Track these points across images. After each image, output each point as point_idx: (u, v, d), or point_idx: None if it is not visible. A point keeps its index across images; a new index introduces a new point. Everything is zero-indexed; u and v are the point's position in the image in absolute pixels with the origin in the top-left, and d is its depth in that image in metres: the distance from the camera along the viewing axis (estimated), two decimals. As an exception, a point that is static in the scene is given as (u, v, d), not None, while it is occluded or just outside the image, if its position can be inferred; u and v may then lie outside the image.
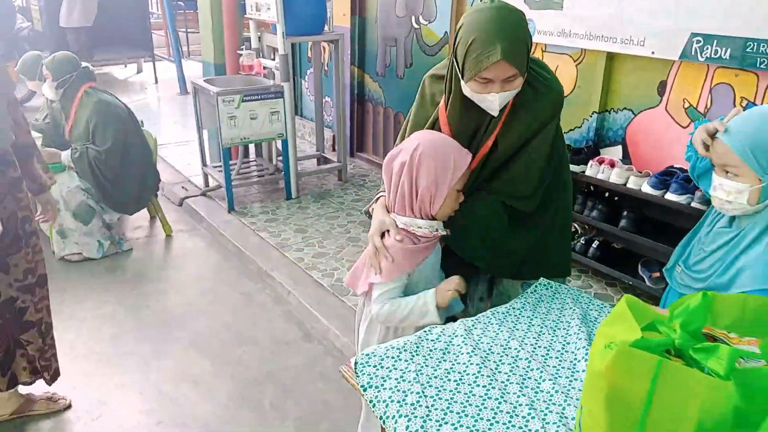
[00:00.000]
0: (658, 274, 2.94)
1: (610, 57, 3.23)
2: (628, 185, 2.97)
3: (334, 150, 5.34)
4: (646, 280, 2.99)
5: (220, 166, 4.32)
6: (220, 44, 4.68)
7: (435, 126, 1.78)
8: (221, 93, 4.02)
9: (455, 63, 1.63)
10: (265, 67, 4.49)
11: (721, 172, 1.41)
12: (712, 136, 1.42)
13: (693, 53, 2.77)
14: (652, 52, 2.95)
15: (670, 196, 2.80)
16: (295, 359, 2.86)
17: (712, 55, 2.71)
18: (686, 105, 2.97)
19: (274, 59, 4.44)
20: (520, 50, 1.54)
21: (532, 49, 3.44)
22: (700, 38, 2.73)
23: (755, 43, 2.54)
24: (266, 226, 4.08)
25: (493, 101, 1.60)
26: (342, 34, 4.66)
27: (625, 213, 3.06)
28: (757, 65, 2.56)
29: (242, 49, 4.57)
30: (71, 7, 7.65)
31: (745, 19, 2.56)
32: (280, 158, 4.71)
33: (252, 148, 5.07)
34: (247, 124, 4.18)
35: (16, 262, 2.17)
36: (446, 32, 4.27)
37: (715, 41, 2.68)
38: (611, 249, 3.27)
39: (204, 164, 4.67)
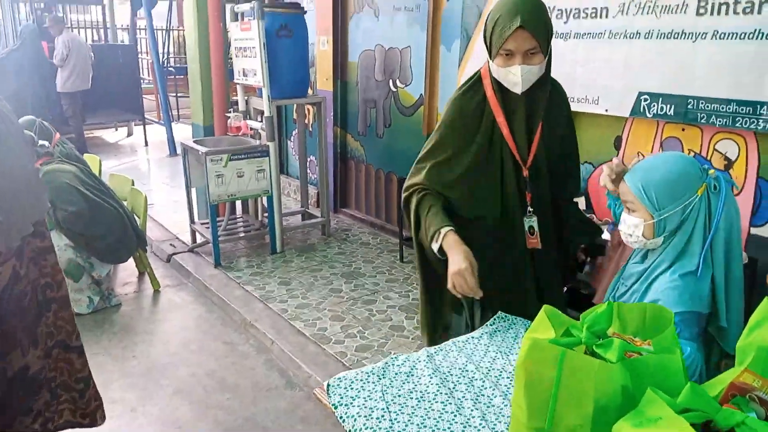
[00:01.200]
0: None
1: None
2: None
3: (318, 206, 5.55)
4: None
5: (208, 223, 4.50)
6: (209, 107, 4.94)
7: (489, 131, 1.88)
8: (209, 152, 4.24)
9: (485, 46, 1.82)
10: (251, 128, 4.74)
11: (625, 209, 1.59)
12: (619, 175, 1.63)
13: (642, 110, 3.04)
14: (606, 110, 3.22)
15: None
16: (277, 404, 2.97)
17: (659, 112, 2.97)
18: (640, 157, 3.21)
19: (260, 121, 4.70)
20: (540, 23, 1.73)
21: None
22: (647, 96, 3.01)
23: (695, 101, 2.81)
24: (251, 280, 4.23)
25: (515, 74, 1.75)
26: (324, 97, 4.95)
27: (588, 260, 3.25)
28: (698, 120, 2.82)
29: (230, 112, 4.83)
30: (69, 72, 7.93)
31: (685, 78, 2.83)
32: (266, 214, 4.90)
33: (239, 205, 5.27)
34: (234, 182, 4.38)
35: (42, 330, 2.03)
36: (421, 94, 4.56)
37: (660, 99, 2.95)
38: (579, 294, 3.45)
39: (192, 221, 4.85)
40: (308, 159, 5.65)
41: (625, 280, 1.69)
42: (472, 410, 1.41)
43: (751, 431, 0.75)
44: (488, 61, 1.85)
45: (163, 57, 10.51)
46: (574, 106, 3.36)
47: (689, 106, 2.84)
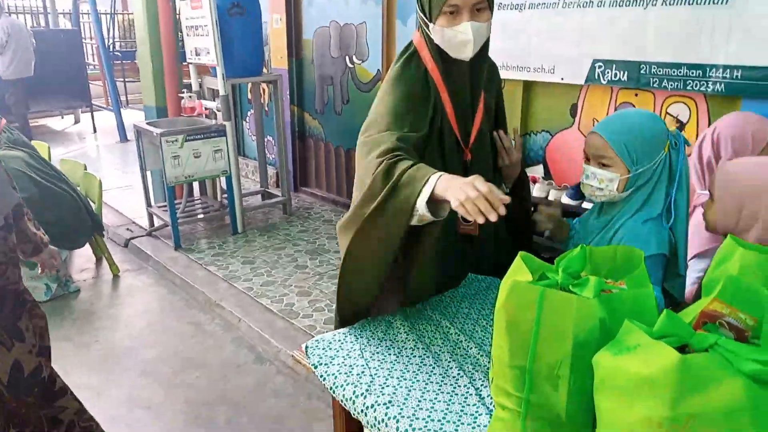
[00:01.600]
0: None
1: (527, 85, 3.55)
2: (549, 198, 3.25)
3: (277, 186, 5.51)
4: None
5: (165, 206, 4.41)
6: (161, 88, 4.83)
7: (438, 104, 1.68)
8: (165, 134, 4.15)
9: (421, 13, 1.62)
10: (206, 108, 4.65)
11: (595, 163, 1.64)
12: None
13: (596, 77, 3.11)
14: (562, 78, 3.28)
15: (586, 205, 3.08)
16: (247, 380, 2.96)
17: (613, 78, 3.04)
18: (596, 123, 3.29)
19: (215, 100, 4.61)
20: None
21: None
22: (601, 63, 3.08)
23: (647, 66, 2.89)
24: (214, 260, 4.18)
25: (465, 32, 1.56)
26: (280, 74, 4.89)
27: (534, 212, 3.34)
28: (651, 85, 2.90)
29: (183, 92, 4.72)
30: (10, 58, 7.61)
31: (637, 44, 2.91)
32: (225, 195, 4.84)
33: (196, 186, 5.18)
34: (191, 163, 4.30)
35: (26, 325, 1.93)
36: (379, 70, 4.55)
37: (614, 65, 3.02)
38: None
39: (149, 205, 4.74)
40: (266, 139, 5.58)
41: (587, 235, 1.75)
42: (449, 362, 1.44)
43: (724, 350, 0.79)
44: (424, 30, 1.66)
45: (108, 41, 10.15)
46: (531, 76, 3.43)
47: (642, 72, 2.92)
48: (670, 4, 2.77)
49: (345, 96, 4.97)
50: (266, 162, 5.41)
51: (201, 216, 4.84)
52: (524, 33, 3.38)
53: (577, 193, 3.13)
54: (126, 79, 10.00)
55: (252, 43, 4.51)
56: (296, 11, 5.25)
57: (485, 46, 1.68)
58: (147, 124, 4.48)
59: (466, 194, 1.29)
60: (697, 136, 2.89)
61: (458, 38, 1.59)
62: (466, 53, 1.62)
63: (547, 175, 3.56)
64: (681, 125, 2.95)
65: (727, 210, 1.50)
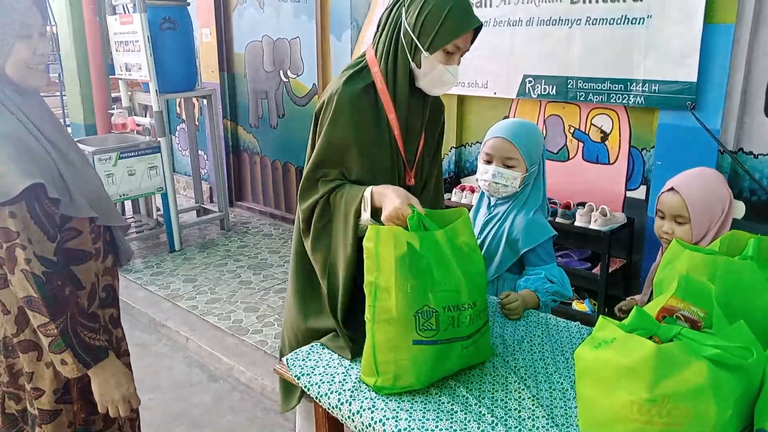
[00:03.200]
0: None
1: (461, 99, 3.73)
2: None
3: (212, 201, 5.46)
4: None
5: (99, 225, 4.29)
6: (89, 104, 4.70)
7: (384, 129, 1.70)
8: (97, 151, 4.06)
9: (415, 39, 1.62)
10: (138, 125, 4.57)
11: (500, 163, 1.88)
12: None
13: (527, 91, 3.31)
14: (495, 93, 3.47)
15: (523, 212, 3.28)
16: (202, 398, 2.95)
17: (543, 92, 3.26)
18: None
19: (146, 116, 4.54)
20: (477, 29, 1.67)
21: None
22: (531, 79, 3.28)
23: (574, 80, 3.11)
24: (153, 280, 4.11)
25: (453, 75, 1.64)
26: (214, 89, 4.87)
27: (488, 231, 3.52)
28: (577, 98, 3.13)
29: (113, 109, 4.62)
30: None
31: (564, 60, 3.13)
32: (160, 213, 4.76)
33: (128, 205, 5.06)
34: (126, 181, 4.22)
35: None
36: (314, 84, 4.62)
37: (543, 80, 3.23)
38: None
39: (79, 225, 4.59)
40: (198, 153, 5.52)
41: (481, 230, 2.00)
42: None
43: (686, 339, 0.93)
44: (400, 52, 1.65)
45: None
46: (466, 90, 3.60)
47: (569, 86, 3.14)
48: (593, 24, 3.00)
49: (280, 110, 5.01)
50: (200, 177, 5.36)
51: (135, 235, 4.73)
52: (458, 49, 3.55)
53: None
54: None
55: (185, 57, 4.48)
56: (226, 25, 5.25)
57: None
58: (77, 141, 4.35)
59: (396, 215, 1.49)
60: (620, 145, 3.14)
61: (445, 77, 1.65)
62: (440, 92, 1.71)
63: (483, 184, 3.74)
64: (605, 135, 3.19)
65: (702, 224, 1.67)
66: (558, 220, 3.12)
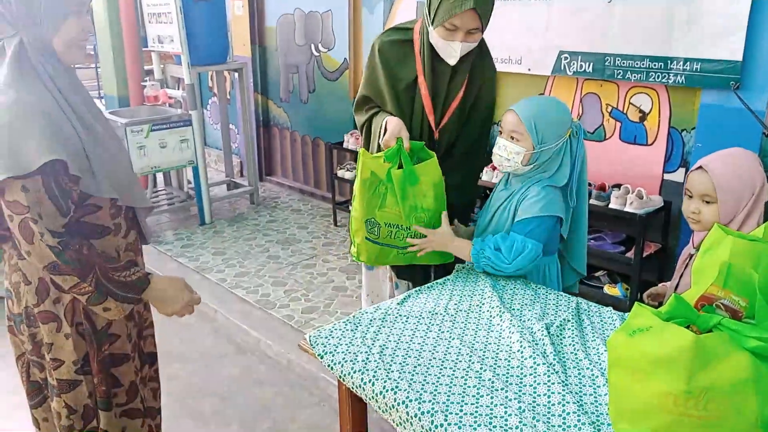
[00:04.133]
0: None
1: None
2: (520, 186, 3.36)
3: (242, 175, 5.48)
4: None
5: (131, 197, 4.34)
6: (122, 77, 4.73)
7: (414, 86, 2.05)
8: (129, 123, 4.08)
9: (426, 12, 1.93)
10: (170, 97, 4.58)
11: (507, 136, 1.85)
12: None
13: (563, 68, 3.22)
14: (529, 69, 3.38)
15: (555, 193, 3.20)
16: (229, 370, 2.98)
17: (579, 69, 3.16)
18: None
19: (179, 89, 4.55)
20: (489, 5, 1.88)
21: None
22: (567, 55, 3.18)
23: (611, 58, 3.01)
24: (183, 252, 4.15)
25: (455, 49, 1.88)
26: (245, 62, 4.85)
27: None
28: (615, 76, 3.02)
29: (146, 81, 4.64)
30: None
31: (602, 37, 3.02)
32: (190, 186, 4.79)
33: (160, 177, 5.11)
34: (157, 153, 4.25)
35: None
36: (345, 58, 4.57)
37: (579, 57, 3.13)
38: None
39: (112, 196, 4.65)
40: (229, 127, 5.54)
41: (491, 206, 1.98)
42: (448, 343, 1.51)
43: (727, 329, 0.88)
44: (425, 23, 1.96)
45: None
46: (499, 66, 3.50)
47: (606, 63, 3.04)
48: (633, -1, 2.88)
49: (311, 85, 4.97)
50: (231, 151, 5.38)
51: (166, 207, 4.78)
52: (491, 25, 3.44)
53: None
54: (76, 66, 9.65)
55: (217, 30, 4.47)
56: (258, -1, 5.21)
57: (471, 52, 1.97)
58: (110, 113, 4.39)
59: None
60: (659, 125, 3.04)
61: (446, 50, 1.92)
62: (449, 62, 1.95)
63: (515, 163, 3.67)
64: (644, 115, 3.09)
65: (729, 205, 1.60)
66: (592, 201, 3.03)
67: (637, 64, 2.93)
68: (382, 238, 1.99)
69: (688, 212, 1.69)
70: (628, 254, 3.01)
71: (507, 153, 1.84)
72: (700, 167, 1.66)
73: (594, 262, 3.22)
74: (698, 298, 0.98)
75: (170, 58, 4.90)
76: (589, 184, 3.11)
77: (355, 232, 2.03)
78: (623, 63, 2.98)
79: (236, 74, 4.90)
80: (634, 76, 2.95)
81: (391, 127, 1.96)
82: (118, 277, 1.44)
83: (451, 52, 1.90)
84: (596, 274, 3.23)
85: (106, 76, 4.85)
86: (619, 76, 3.01)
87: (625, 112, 3.15)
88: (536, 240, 1.80)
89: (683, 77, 2.79)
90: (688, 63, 2.76)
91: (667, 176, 3.06)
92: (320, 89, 4.89)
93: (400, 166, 1.93)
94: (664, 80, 2.86)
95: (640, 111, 3.10)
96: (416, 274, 2.25)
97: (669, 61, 2.81)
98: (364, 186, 1.95)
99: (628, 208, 2.93)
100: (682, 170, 3.00)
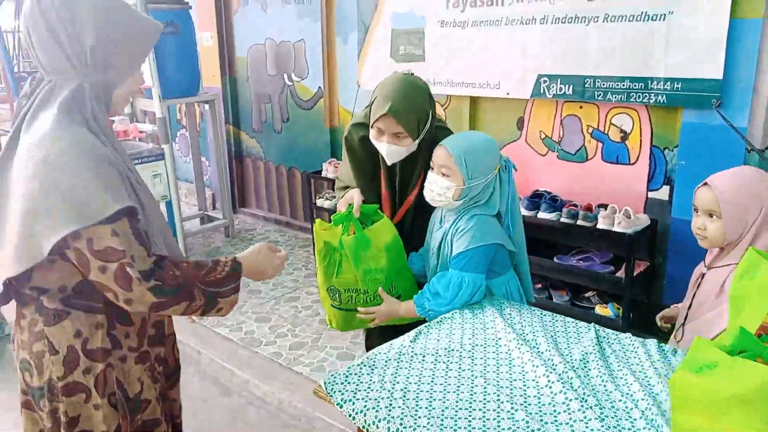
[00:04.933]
0: (540, 285, 3.32)
1: (473, 100, 3.64)
2: (505, 209, 3.34)
3: (215, 208, 5.36)
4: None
5: (102, 235, 4.18)
6: (89, 112, 4.58)
7: (378, 179, 2.13)
8: (99, 160, 3.94)
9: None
10: (141, 131, 4.46)
11: (438, 171, 1.85)
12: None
13: (542, 92, 3.23)
14: (507, 93, 3.39)
15: (541, 215, 3.19)
16: (216, 414, 2.85)
17: (558, 92, 3.17)
18: (542, 136, 3.42)
19: (146, 122, 4.43)
20: (409, 114, 1.89)
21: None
22: (546, 78, 3.20)
23: (591, 80, 3.04)
24: (159, 291, 3.99)
25: (382, 149, 1.97)
26: (216, 94, 4.77)
27: (505, 235, 3.43)
28: (595, 97, 3.05)
29: (114, 116, 4.50)
30: None
31: (581, 59, 3.04)
32: (163, 221, 4.64)
33: (130, 214, 4.95)
34: (129, 190, 4.10)
35: None
36: (320, 87, 4.53)
37: (559, 80, 3.15)
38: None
39: (81, 235, 4.47)
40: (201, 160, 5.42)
41: (432, 246, 1.98)
42: (472, 378, 1.45)
43: (794, 361, 0.85)
44: None
45: (15, 61, 9.53)
46: (477, 92, 3.51)
47: (586, 85, 3.06)
48: (611, 21, 2.92)
49: (285, 114, 4.91)
50: (204, 184, 5.25)
51: (139, 244, 4.62)
52: (468, 50, 3.46)
53: (532, 204, 3.24)
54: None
55: (188, 62, 4.39)
56: (227, 28, 5.15)
57: (416, 154, 2.00)
58: (77, 150, 4.24)
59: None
60: (641, 144, 3.07)
61: (381, 150, 1.98)
62: (388, 161, 1.99)
63: (498, 187, 3.65)
64: (625, 135, 3.12)
65: (734, 221, 1.61)
66: (579, 222, 3.04)
67: (617, 85, 2.96)
68: (344, 304, 2.04)
69: (695, 228, 1.71)
70: (618, 273, 3.01)
71: (438, 188, 1.84)
72: (705, 183, 1.67)
73: (583, 283, 3.22)
74: (759, 327, 0.95)
75: (139, 92, 4.77)
76: (575, 205, 3.13)
77: (323, 300, 2.11)
78: (603, 84, 3.01)
79: (206, 106, 4.81)
80: (615, 97, 2.98)
81: (347, 195, 2.05)
82: (215, 277, 1.41)
83: (383, 153, 1.97)
84: (586, 295, 3.22)
85: (72, 111, 4.68)
86: (599, 98, 3.04)
87: (606, 132, 3.18)
88: (474, 272, 1.82)
89: (664, 97, 2.83)
90: (669, 82, 2.80)
91: (651, 194, 3.09)
92: (294, 118, 4.83)
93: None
94: (644, 100, 2.89)
95: (622, 131, 3.12)
96: None
97: (649, 81, 2.85)
98: (319, 256, 2.02)
99: (616, 228, 2.93)
100: (666, 188, 3.03)
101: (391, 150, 1.95)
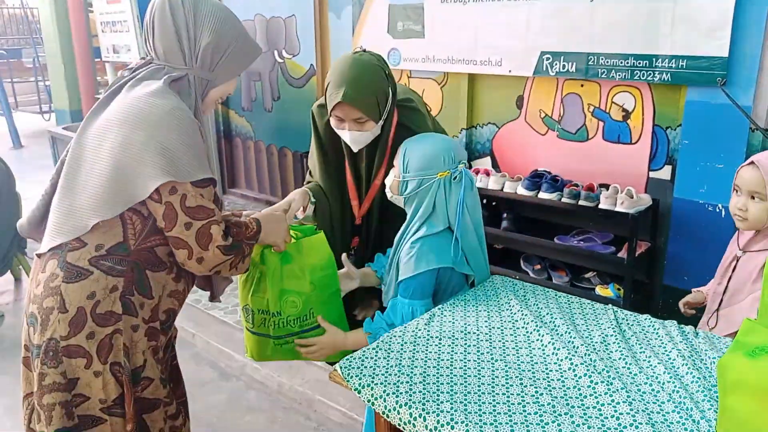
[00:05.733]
0: (539, 266, 3.29)
1: (472, 78, 3.57)
2: (505, 189, 3.30)
3: (204, 189, 5.26)
4: (530, 272, 3.31)
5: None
6: (74, 89, 4.46)
7: (342, 168, 2.02)
8: (87, 139, 3.83)
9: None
10: (128, 110, 4.34)
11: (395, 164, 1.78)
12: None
13: (545, 69, 3.18)
14: (509, 71, 3.33)
15: (542, 195, 3.15)
16: (216, 398, 2.81)
17: (561, 70, 3.12)
18: (542, 115, 3.37)
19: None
20: (365, 96, 1.77)
21: (400, 78, 3.68)
22: (549, 56, 3.15)
23: (595, 57, 2.99)
24: (150, 273, 3.92)
25: (345, 137, 1.87)
26: (205, 71, 4.65)
27: (504, 215, 3.40)
28: (599, 75, 3.00)
29: (100, 93, 4.39)
30: None
31: (585, 36, 2.99)
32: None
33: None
34: (118, 170, 4.01)
35: None
36: (312, 64, 4.43)
37: (562, 57, 3.10)
38: (494, 249, 3.59)
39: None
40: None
41: (391, 273, 1.84)
42: (492, 362, 1.41)
43: None
44: None
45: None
46: (477, 69, 3.45)
47: (590, 63, 3.01)
48: (615, -3, 2.86)
49: (275, 92, 4.81)
50: (192, 164, 5.15)
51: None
52: (470, 27, 3.39)
53: (533, 184, 3.20)
54: (14, 80, 9.17)
55: (175, 39, 4.26)
56: (216, 5, 5.01)
57: (386, 137, 1.90)
58: (63, 129, 4.13)
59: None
60: (642, 123, 3.03)
61: (344, 137, 1.88)
62: (354, 148, 1.90)
63: (495, 168, 3.61)
64: (627, 114, 3.08)
65: None
66: (581, 202, 3.01)
67: (621, 62, 2.91)
68: (257, 327, 1.80)
69: (735, 209, 1.64)
70: (620, 254, 2.99)
71: (388, 179, 1.79)
72: (751, 162, 1.61)
73: (584, 263, 3.21)
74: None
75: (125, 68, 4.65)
76: (576, 185, 3.09)
77: (244, 321, 1.87)
78: (607, 62, 2.96)
79: (196, 84, 4.69)
80: (619, 75, 2.93)
81: (288, 196, 1.95)
82: (250, 234, 1.55)
83: (347, 140, 1.88)
84: (586, 276, 3.21)
85: (57, 89, 4.56)
86: (603, 76, 2.99)
87: (607, 111, 3.14)
88: (421, 299, 1.72)
89: (669, 75, 2.79)
90: (674, 60, 2.76)
91: (652, 174, 3.06)
92: (285, 96, 4.73)
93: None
94: (649, 78, 2.85)
95: (623, 110, 3.08)
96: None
97: (654, 59, 2.80)
98: (242, 275, 1.82)
99: (618, 208, 2.90)
100: (668, 167, 3.00)
101: (354, 137, 1.84)
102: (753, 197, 1.59)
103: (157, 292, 1.47)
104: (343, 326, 1.85)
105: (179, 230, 1.38)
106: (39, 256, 1.46)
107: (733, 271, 1.70)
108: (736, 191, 1.65)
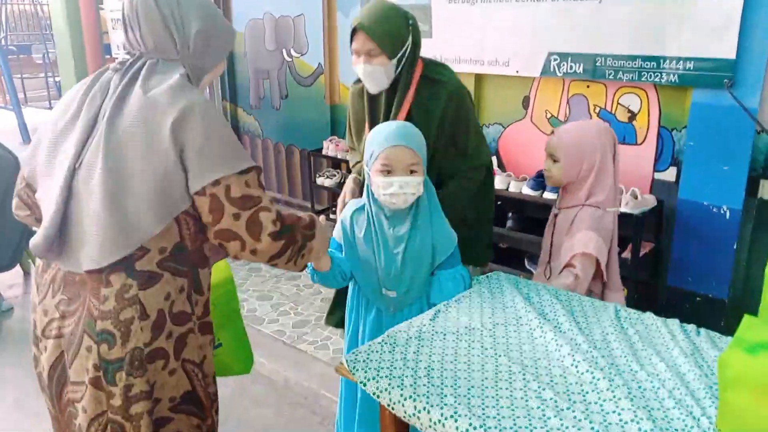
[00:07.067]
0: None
1: (478, 78, 3.59)
2: (510, 189, 3.32)
3: (212, 186, 5.29)
4: (534, 272, 3.33)
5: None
6: (84, 86, 4.50)
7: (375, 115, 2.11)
8: (96, 135, 3.87)
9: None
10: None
11: (406, 172, 1.69)
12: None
13: (552, 70, 3.19)
14: (517, 71, 3.35)
15: (547, 195, 3.17)
16: (222, 392, 2.82)
17: (569, 70, 3.14)
18: (548, 115, 3.39)
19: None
20: (382, 30, 1.91)
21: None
22: (556, 56, 3.16)
23: (602, 58, 3.00)
24: (158, 268, 3.95)
25: (359, 72, 1.99)
26: (214, 69, 4.68)
27: (510, 215, 3.42)
28: (606, 76, 3.01)
29: (110, 90, 4.43)
30: None
31: (592, 37, 3.00)
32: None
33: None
34: (127, 166, 4.04)
35: None
36: (320, 63, 4.46)
37: (570, 58, 3.11)
38: (499, 249, 3.61)
39: (77, 212, 4.42)
40: (196, 137, 5.34)
41: (394, 243, 1.79)
42: (496, 357, 1.44)
43: None
44: None
45: (1, 35, 9.33)
46: (484, 69, 3.47)
47: (597, 64, 3.03)
48: (623, -2, 2.88)
49: (283, 90, 4.83)
50: (199, 161, 5.18)
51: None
52: (477, 27, 3.41)
53: (538, 184, 3.21)
54: (24, 75, 9.23)
55: (185, 37, 4.29)
56: (225, 3, 5.04)
57: (405, 82, 2.02)
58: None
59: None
60: (648, 125, 3.05)
61: (360, 75, 2.01)
62: (371, 90, 2.02)
63: (501, 167, 3.63)
64: (632, 115, 3.09)
65: (572, 164, 1.92)
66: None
67: (628, 63, 2.93)
68: None
69: (544, 170, 1.98)
70: (624, 254, 3.00)
71: (413, 188, 1.69)
72: (554, 132, 1.91)
73: (588, 264, 3.22)
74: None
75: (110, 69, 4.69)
76: (582, 186, 3.10)
77: None
78: (614, 63, 2.97)
79: (204, 81, 4.72)
80: (626, 76, 2.95)
81: (343, 190, 2.12)
82: (305, 223, 1.52)
83: (362, 76, 2.00)
84: (591, 276, 3.22)
85: (67, 85, 4.60)
86: (610, 77, 3.00)
87: (613, 112, 3.15)
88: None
89: (676, 76, 2.80)
90: (681, 62, 2.77)
91: (657, 175, 3.07)
92: (293, 95, 4.76)
93: None
94: (656, 79, 2.86)
95: (629, 111, 3.10)
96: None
97: (661, 60, 2.82)
98: None
99: (623, 209, 2.92)
100: (673, 169, 3.02)
101: (366, 71, 1.95)
102: (555, 161, 1.93)
103: (205, 287, 1.47)
104: (245, 346, 1.91)
105: (228, 222, 1.34)
106: (89, 272, 1.33)
107: (554, 227, 1.99)
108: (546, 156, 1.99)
